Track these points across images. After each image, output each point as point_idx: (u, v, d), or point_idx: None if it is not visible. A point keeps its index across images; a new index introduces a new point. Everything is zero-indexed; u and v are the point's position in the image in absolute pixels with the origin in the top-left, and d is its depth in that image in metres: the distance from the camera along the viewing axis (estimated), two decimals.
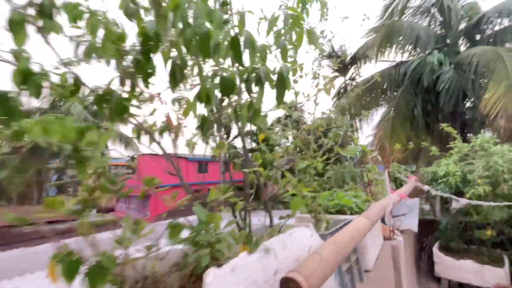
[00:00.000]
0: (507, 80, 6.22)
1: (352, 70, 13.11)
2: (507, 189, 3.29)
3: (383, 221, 2.28)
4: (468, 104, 8.56)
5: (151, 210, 22.20)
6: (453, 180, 3.71)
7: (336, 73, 13.35)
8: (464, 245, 3.94)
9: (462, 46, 9.54)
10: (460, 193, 3.77)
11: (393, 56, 10.12)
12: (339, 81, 13.35)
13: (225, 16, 1.13)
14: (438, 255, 4.04)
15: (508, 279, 3.29)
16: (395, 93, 9.59)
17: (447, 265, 3.95)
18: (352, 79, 12.96)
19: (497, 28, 8.79)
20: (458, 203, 2.88)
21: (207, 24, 0.89)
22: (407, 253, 2.96)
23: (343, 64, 12.70)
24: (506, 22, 8.58)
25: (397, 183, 4.40)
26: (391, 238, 2.13)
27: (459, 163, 4.00)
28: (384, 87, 9.90)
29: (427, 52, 9.35)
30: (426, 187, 3.25)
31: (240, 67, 1.20)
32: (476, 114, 8.12)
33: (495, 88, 6.34)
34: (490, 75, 7.04)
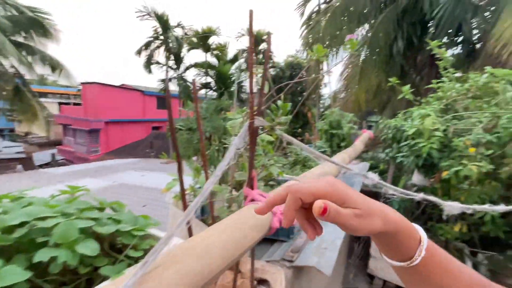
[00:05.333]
0: None
1: None
2: None
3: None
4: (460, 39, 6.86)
5: (101, 146, 20.37)
6: (427, 145, 2.07)
7: None
8: None
9: None
10: (430, 167, 2.44)
11: None
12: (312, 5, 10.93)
13: None
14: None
15: None
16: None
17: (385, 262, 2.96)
18: (328, 1, 10.54)
19: None
20: (452, 209, 1.43)
21: None
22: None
23: None
24: None
25: (334, 143, 2.93)
26: None
27: (441, 117, 2.26)
28: (365, 11, 7.86)
29: None
30: (353, 167, 1.64)
31: None
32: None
33: None
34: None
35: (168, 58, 13.80)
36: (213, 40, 13.34)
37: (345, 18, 7.83)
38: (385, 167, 4.35)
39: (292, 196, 0.35)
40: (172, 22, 13.65)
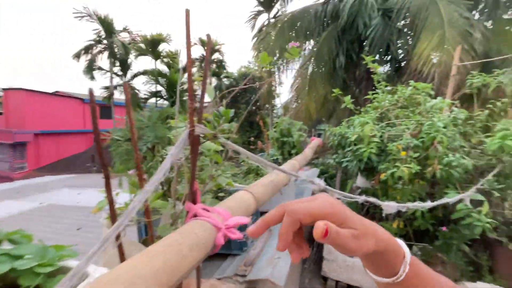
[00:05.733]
0: (441, 30, 5.25)
1: (278, 6, 11.35)
2: (440, 172, 1.99)
3: None
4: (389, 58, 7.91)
5: (29, 161, 17.55)
6: (367, 150, 2.31)
7: (260, 7, 11.41)
8: None
9: None
10: (371, 170, 2.70)
11: None
12: (263, 19, 11.57)
13: None
14: (329, 249, 3.18)
15: None
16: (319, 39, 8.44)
17: (338, 264, 3.13)
18: (276, 16, 11.24)
19: None
20: (389, 208, 1.62)
21: None
22: None
23: None
24: None
25: (285, 150, 3.09)
26: None
27: (377, 125, 2.55)
28: (310, 27, 8.58)
29: None
30: (303, 173, 1.79)
31: None
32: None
33: (428, 40, 5.40)
34: (421, 25, 6.37)
35: (113, 64, 12.77)
36: (163, 48, 12.86)
37: (293, 33, 8.38)
38: (334, 172, 4.62)
39: (291, 217, 0.33)
40: (118, 26, 12.78)
